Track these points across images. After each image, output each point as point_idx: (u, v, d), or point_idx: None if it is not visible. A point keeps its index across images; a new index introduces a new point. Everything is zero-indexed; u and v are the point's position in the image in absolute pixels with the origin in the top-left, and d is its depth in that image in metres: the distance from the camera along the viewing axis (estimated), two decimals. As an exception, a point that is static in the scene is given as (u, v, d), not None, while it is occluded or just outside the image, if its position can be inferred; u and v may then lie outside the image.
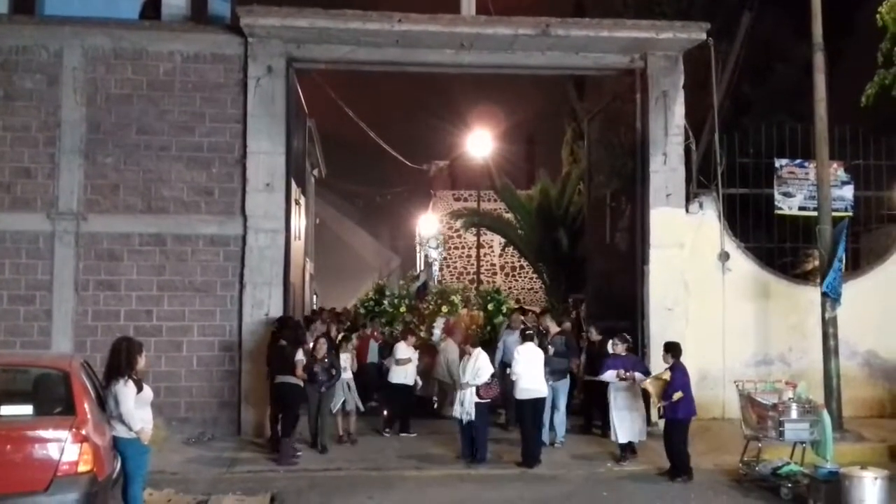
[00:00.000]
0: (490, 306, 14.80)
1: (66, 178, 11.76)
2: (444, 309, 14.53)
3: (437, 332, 14.00)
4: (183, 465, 9.98)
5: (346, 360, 11.48)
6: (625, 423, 10.27)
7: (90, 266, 11.75)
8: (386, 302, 15.15)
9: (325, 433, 10.98)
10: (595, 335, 11.89)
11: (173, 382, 11.61)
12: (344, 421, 11.53)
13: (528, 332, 10.84)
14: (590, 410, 12.34)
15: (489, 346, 13.29)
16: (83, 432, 6.36)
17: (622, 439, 10.31)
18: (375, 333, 14.01)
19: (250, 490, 8.94)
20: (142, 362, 7.17)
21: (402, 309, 14.86)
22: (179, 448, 10.87)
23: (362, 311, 15.35)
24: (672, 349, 9.85)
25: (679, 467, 9.47)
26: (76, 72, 11.85)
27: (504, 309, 14.64)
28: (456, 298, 14.91)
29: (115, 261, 11.80)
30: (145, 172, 11.94)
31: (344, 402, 11.36)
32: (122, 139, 11.91)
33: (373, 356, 13.65)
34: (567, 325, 13.48)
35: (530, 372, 10.27)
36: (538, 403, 10.44)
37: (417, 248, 34.41)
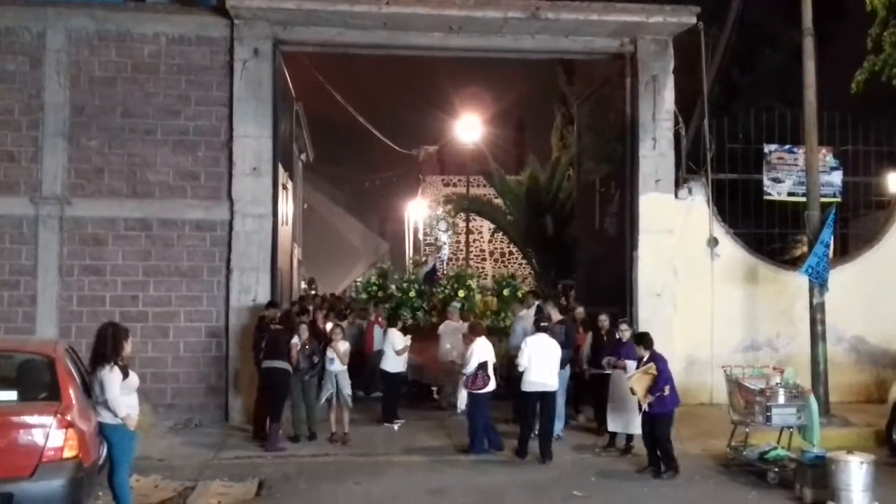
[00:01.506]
0: (506, 292, 14.35)
1: (49, 162, 11.62)
2: (461, 294, 14.09)
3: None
4: (169, 452, 9.92)
5: (336, 349, 10.71)
6: (616, 413, 10.08)
7: (75, 251, 11.63)
8: (393, 286, 14.58)
9: (313, 420, 10.77)
10: (606, 323, 11.22)
11: (160, 368, 11.55)
12: (336, 416, 10.78)
13: (542, 323, 10.16)
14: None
15: (503, 333, 12.98)
16: (68, 418, 6.30)
17: (612, 428, 10.21)
18: (380, 320, 13.46)
19: (237, 476, 8.90)
20: (128, 348, 7.10)
21: (412, 294, 14.34)
22: (166, 434, 10.83)
23: (364, 296, 14.82)
24: (644, 340, 9.47)
25: (666, 460, 9.17)
26: (59, 54, 11.69)
27: (519, 294, 14.27)
28: (473, 283, 14.42)
29: (100, 245, 11.69)
30: (130, 156, 11.80)
31: (336, 396, 10.70)
32: (107, 122, 11.77)
33: (378, 343, 13.14)
34: (580, 310, 12.45)
35: (538, 364, 9.73)
36: (545, 397, 9.81)
37: (407, 233, 34.37)
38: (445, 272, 15.99)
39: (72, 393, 6.61)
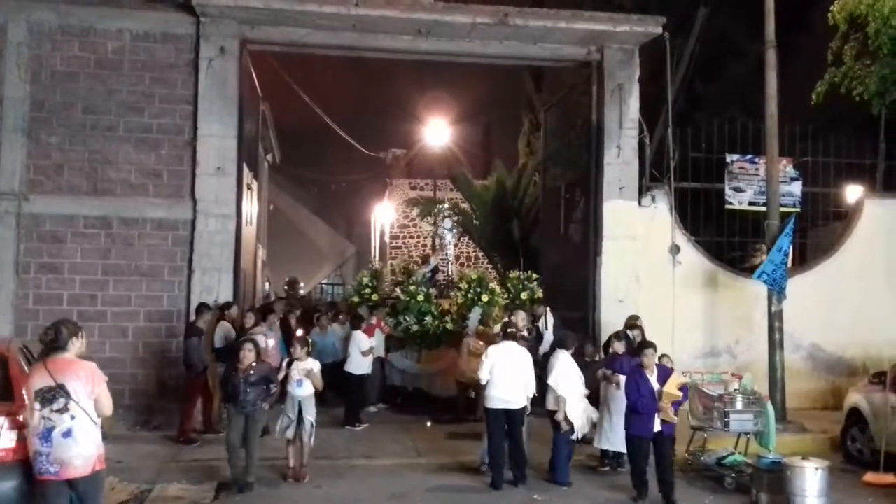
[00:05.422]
0: (523, 295, 13.48)
1: (7, 158, 11.36)
2: (485, 298, 13.20)
3: (472, 325, 12.81)
4: (127, 454, 9.73)
5: (302, 370, 8.95)
6: (605, 428, 9.60)
7: (32, 248, 11.40)
8: (398, 289, 13.77)
9: (252, 466, 8.59)
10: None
11: (118, 369, 11.28)
12: (294, 451, 9.05)
13: (509, 329, 9.34)
14: None
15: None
16: (20, 418, 6.15)
17: (598, 444, 9.76)
18: (382, 325, 12.64)
19: (196, 479, 8.80)
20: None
21: (420, 297, 13.36)
22: (124, 436, 10.63)
23: (356, 299, 13.94)
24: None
25: (668, 487, 8.47)
26: (20, 47, 11.44)
27: (537, 298, 13.44)
28: (497, 287, 13.67)
29: (59, 243, 11.46)
30: (91, 153, 11.60)
31: (298, 427, 8.96)
32: (68, 118, 11.56)
33: (379, 350, 12.59)
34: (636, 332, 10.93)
35: (501, 377, 8.85)
36: (510, 415, 8.88)
37: (373, 236, 34.25)
38: (449, 275, 14.54)
39: (25, 392, 6.47)
